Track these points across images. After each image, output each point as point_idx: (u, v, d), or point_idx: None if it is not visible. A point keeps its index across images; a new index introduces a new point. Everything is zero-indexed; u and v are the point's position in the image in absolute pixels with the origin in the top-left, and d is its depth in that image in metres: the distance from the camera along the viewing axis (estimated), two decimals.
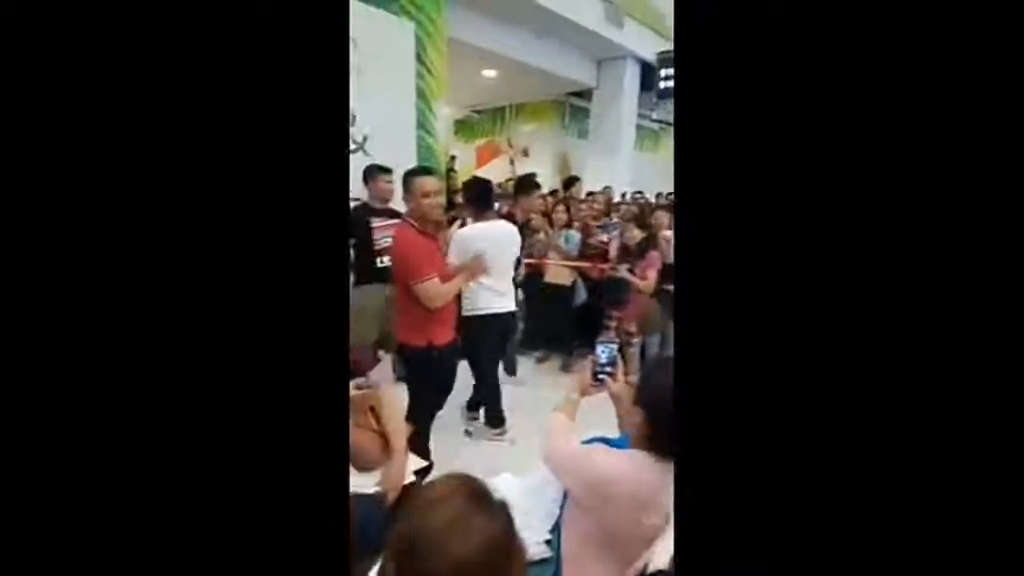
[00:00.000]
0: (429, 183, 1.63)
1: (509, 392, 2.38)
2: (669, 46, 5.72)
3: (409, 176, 1.68)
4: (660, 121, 7.80)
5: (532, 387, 2.72)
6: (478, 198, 2.07)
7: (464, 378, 2.01)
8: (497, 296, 2.06)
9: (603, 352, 1.10)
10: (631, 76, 5.64)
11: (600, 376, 1.10)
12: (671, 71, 5.57)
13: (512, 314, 2.15)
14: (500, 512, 0.50)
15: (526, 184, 2.68)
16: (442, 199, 1.70)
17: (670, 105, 7.32)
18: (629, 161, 5.96)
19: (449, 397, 1.89)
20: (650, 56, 5.60)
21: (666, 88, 5.71)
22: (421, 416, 1.75)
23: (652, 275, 2.52)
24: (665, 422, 0.88)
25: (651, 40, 5.56)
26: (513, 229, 2.13)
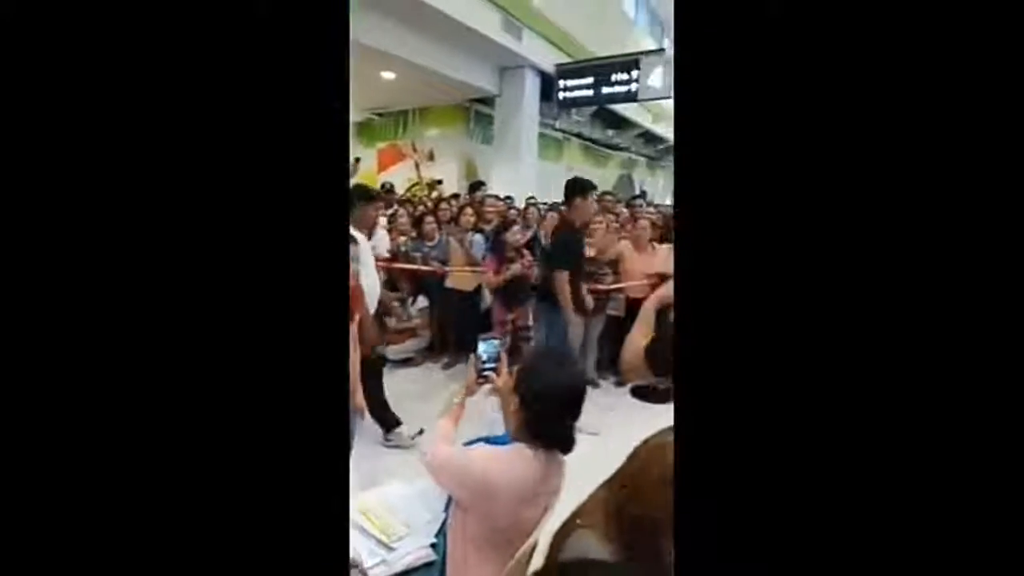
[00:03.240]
0: None
1: (414, 403, 2.33)
2: (567, 58, 5.99)
3: None
4: (563, 131, 8.14)
5: (439, 398, 2.68)
6: None
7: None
8: None
9: (485, 349, 1.12)
10: (531, 86, 5.82)
11: (484, 373, 1.12)
12: (569, 82, 5.84)
13: None
14: None
15: (581, 186, 2.55)
16: None
17: (573, 115, 7.68)
18: (533, 168, 6.14)
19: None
20: (549, 67, 5.83)
21: (565, 99, 5.96)
22: None
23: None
24: (540, 410, 0.92)
25: (550, 52, 5.79)
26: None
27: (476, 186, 3.97)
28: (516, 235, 2.65)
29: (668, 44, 10.21)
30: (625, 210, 3.67)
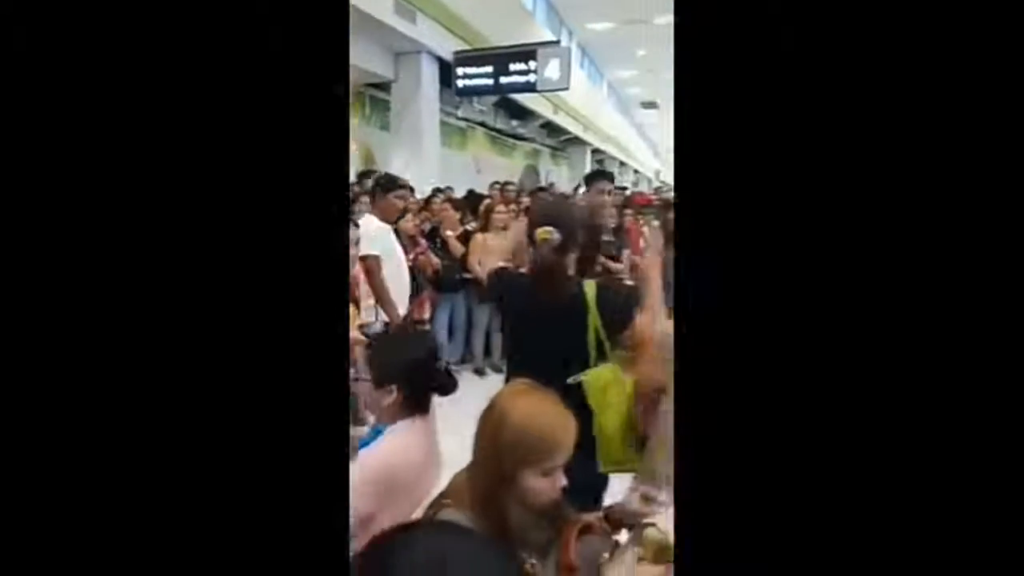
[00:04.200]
0: None
1: None
2: (464, 46, 5.94)
3: None
4: (466, 119, 8.09)
5: None
6: None
7: None
8: None
9: None
10: (429, 72, 5.70)
11: None
12: (468, 70, 5.80)
13: None
14: None
15: (589, 177, 2.63)
16: None
17: (475, 104, 7.65)
18: (435, 157, 6.04)
19: None
20: (447, 54, 5.74)
21: (465, 87, 5.91)
22: None
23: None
24: (405, 381, 0.95)
25: (447, 38, 5.70)
26: None
27: (364, 175, 3.79)
28: (408, 224, 2.59)
29: (565, 36, 10.56)
30: (528, 200, 3.75)
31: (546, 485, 0.72)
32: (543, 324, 1.21)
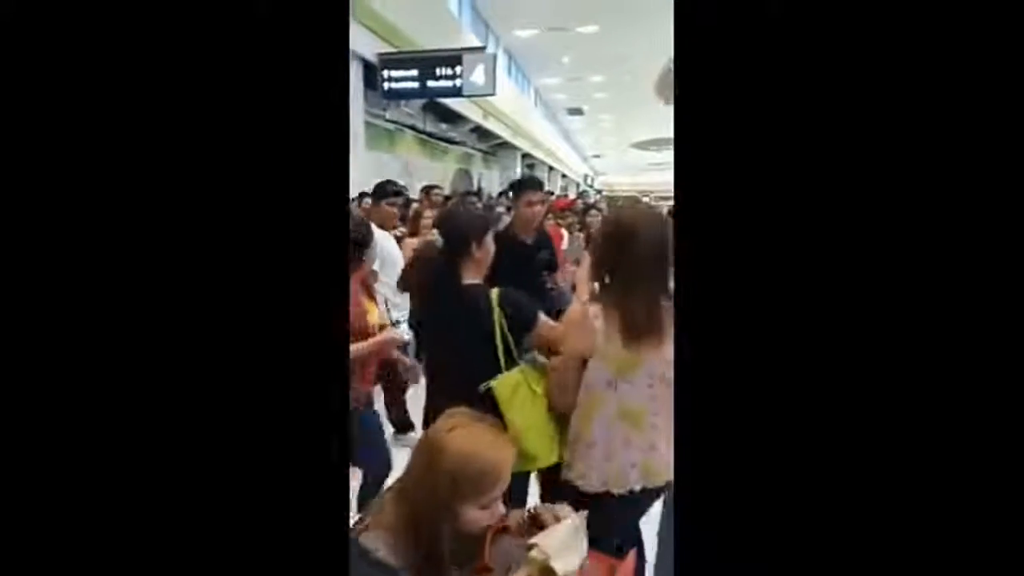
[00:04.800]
0: None
1: None
2: (389, 48, 5.84)
3: None
4: (395, 122, 7.94)
5: None
6: None
7: None
8: None
9: None
10: (354, 74, 5.55)
11: None
12: (394, 73, 5.70)
13: None
14: None
15: (512, 185, 2.49)
16: None
17: (404, 106, 7.51)
18: (362, 159, 5.88)
19: None
20: (371, 56, 5.62)
21: (391, 90, 5.81)
22: None
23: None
24: None
25: (370, 40, 5.58)
26: None
27: None
28: None
29: (492, 43, 10.66)
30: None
31: (484, 516, 0.72)
32: (449, 334, 1.22)
